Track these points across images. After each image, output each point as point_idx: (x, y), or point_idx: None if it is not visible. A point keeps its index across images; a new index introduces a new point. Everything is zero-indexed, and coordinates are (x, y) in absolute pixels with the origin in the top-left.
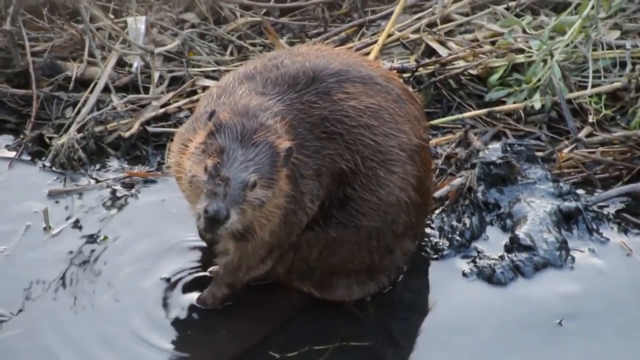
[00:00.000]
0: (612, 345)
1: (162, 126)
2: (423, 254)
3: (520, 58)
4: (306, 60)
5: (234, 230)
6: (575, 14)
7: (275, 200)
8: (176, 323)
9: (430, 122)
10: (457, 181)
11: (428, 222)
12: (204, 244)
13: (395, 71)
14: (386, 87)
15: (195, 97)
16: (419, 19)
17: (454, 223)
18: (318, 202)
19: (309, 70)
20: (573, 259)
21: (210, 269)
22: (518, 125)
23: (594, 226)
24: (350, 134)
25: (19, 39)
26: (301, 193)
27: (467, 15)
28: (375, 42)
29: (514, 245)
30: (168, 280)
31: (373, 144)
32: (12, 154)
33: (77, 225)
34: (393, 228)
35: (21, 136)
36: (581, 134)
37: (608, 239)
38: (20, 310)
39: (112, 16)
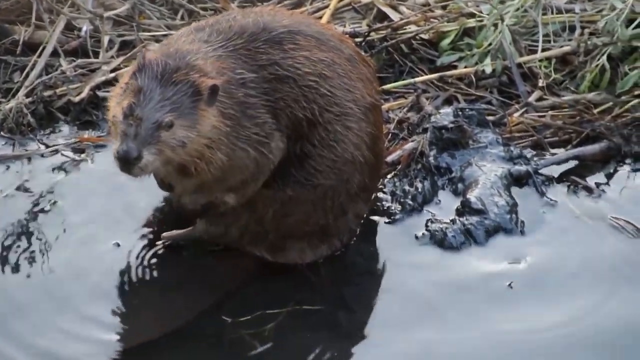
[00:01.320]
0: (561, 305)
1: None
2: (375, 218)
3: (471, 22)
4: (258, 15)
5: (155, 170)
6: None
7: (201, 139)
8: (127, 289)
9: (382, 87)
10: (409, 145)
11: (380, 186)
12: (155, 208)
13: (347, 35)
14: (339, 46)
15: None
16: None
17: (406, 187)
18: (281, 144)
19: (259, 22)
20: (523, 222)
21: (164, 234)
22: (469, 89)
23: (544, 189)
24: (303, 79)
25: None
26: (244, 127)
27: None
28: (327, 6)
29: (465, 209)
30: (119, 245)
31: (329, 95)
32: None
33: (27, 190)
34: (347, 187)
35: None
36: (531, 98)
37: (557, 202)
38: None
39: None
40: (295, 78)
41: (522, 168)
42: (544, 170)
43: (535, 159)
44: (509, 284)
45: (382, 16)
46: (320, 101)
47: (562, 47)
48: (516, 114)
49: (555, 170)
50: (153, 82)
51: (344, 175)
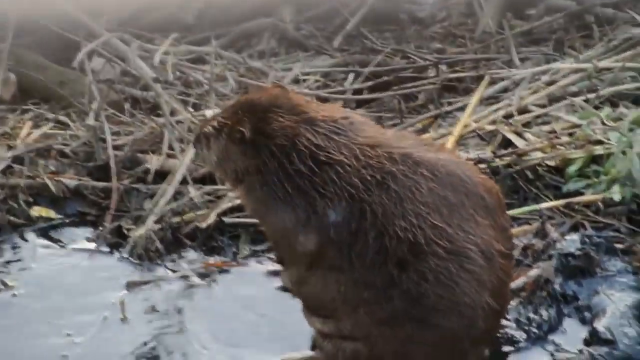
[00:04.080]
0: None
1: (238, 217)
2: (499, 346)
3: (598, 149)
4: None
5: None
6: None
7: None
8: None
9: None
10: (534, 272)
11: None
12: (277, 334)
13: (471, 162)
14: (479, 193)
15: None
16: (495, 110)
17: (531, 315)
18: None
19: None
20: None
21: (282, 357)
22: (597, 216)
23: None
24: (413, 204)
25: (101, 133)
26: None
27: (544, 106)
28: (451, 133)
29: (593, 338)
30: None
31: (440, 228)
32: (92, 245)
33: (153, 315)
34: (469, 333)
35: (100, 228)
36: None
37: None
38: None
39: (191, 109)
40: (402, 197)
41: None
42: None
43: None
44: None
45: (506, 143)
46: (428, 230)
47: None
48: None
49: None
50: None
51: (465, 320)
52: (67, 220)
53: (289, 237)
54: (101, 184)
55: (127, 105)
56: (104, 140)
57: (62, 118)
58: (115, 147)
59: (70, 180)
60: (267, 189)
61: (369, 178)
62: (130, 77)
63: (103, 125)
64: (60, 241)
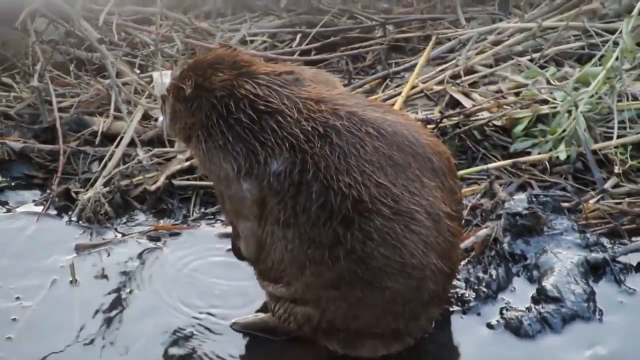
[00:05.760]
0: None
1: (188, 179)
2: (449, 305)
3: (544, 109)
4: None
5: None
6: (600, 65)
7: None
8: None
9: None
10: (482, 232)
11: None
12: (229, 295)
13: (419, 122)
14: (427, 155)
15: None
16: (442, 70)
17: (480, 274)
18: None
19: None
20: (601, 310)
21: (235, 320)
22: (543, 176)
23: (622, 277)
24: (357, 160)
25: (46, 95)
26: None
27: (490, 66)
28: (399, 94)
29: (541, 296)
30: (193, 334)
31: (385, 187)
32: (39, 208)
33: (103, 279)
34: (418, 294)
35: (48, 191)
36: (607, 185)
37: (636, 290)
38: None
39: (137, 71)
40: (347, 152)
41: (599, 256)
42: (621, 258)
43: (612, 246)
44: None
45: (454, 103)
46: (372, 189)
47: (638, 133)
48: (592, 201)
49: (634, 259)
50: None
51: (413, 282)
52: (13, 184)
53: (232, 186)
54: (47, 147)
55: (72, 67)
56: (49, 102)
57: (5, 79)
58: (61, 109)
59: (15, 142)
60: (210, 140)
61: (310, 130)
62: (74, 37)
63: (48, 87)
64: (7, 204)
